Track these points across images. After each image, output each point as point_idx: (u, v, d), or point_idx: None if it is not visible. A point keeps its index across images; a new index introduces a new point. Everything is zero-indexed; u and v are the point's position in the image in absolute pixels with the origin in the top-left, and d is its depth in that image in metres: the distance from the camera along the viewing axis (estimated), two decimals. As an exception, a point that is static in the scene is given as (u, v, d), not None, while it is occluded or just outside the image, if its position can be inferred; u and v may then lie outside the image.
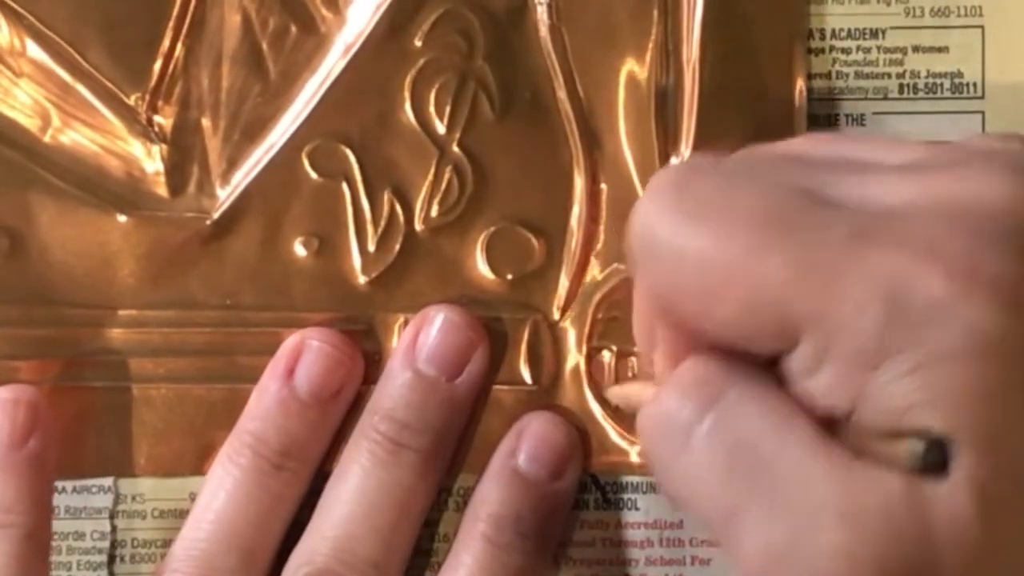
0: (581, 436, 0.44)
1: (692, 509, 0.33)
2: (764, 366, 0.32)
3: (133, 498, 0.44)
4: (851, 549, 0.29)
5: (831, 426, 0.30)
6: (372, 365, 0.43)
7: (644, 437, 0.34)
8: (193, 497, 0.43)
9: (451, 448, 0.43)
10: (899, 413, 0.29)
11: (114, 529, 0.44)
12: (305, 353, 0.43)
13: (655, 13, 0.43)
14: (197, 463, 0.43)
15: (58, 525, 0.44)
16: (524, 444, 0.43)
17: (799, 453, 0.30)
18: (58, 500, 0.44)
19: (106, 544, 0.44)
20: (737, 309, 0.31)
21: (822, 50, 0.44)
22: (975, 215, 0.30)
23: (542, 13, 0.44)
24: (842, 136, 0.38)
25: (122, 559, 0.44)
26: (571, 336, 0.44)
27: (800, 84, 0.43)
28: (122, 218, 0.44)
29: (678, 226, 0.31)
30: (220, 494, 0.42)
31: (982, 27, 0.44)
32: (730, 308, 0.31)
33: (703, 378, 0.32)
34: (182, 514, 0.43)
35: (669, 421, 0.32)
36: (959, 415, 0.29)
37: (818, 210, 0.31)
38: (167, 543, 0.43)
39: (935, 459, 0.29)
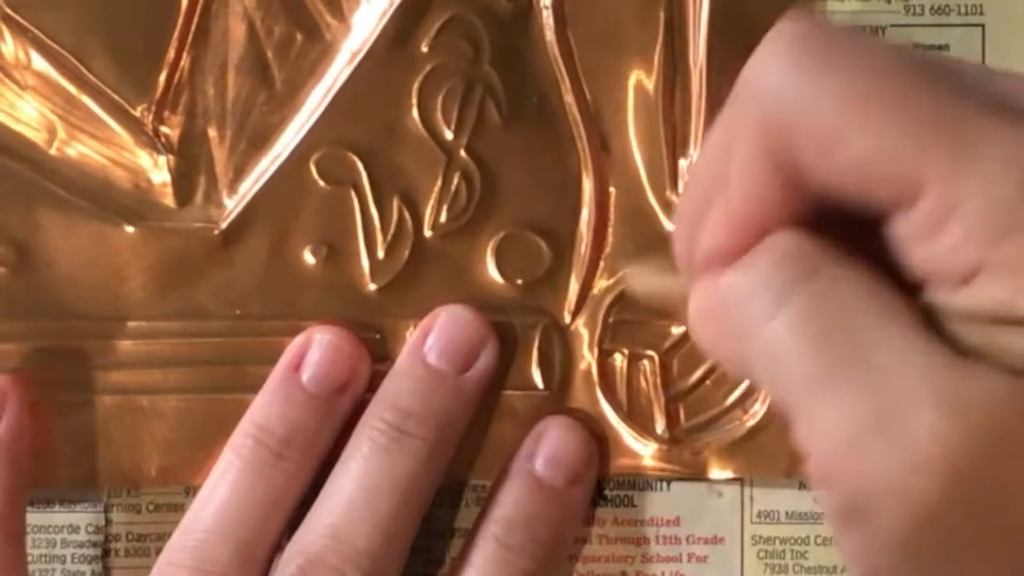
0: (596, 441, 0.44)
1: (767, 383, 0.31)
2: (856, 250, 0.31)
3: (128, 492, 0.44)
4: (948, 436, 0.28)
5: (934, 320, 0.30)
6: (381, 374, 0.43)
7: (722, 308, 0.32)
8: (187, 491, 0.44)
9: (456, 441, 0.43)
10: (1018, 292, 0.28)
11: (109, 522, 0.44)
12: (312, 346, 0.43)
13: (661, 16, 0.43)
14: (208, 473, 0.43)
15: (53, 518, 0.44)
16: (542, 449, 0.43)
17: (899, 337, 0.29)
18: (53, 493, 0.44)
19: (101, 537, 0.44)
20: (864, 156, 0.29)
21: (822, 51, 0.44)
22: None
23: (548, 17, 0.44)
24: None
25: (117, 552, 0.44)
26: (582, 340, 0.44)
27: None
28: (130, 229, 0.44)
29: (811, 66, 0.30)
30: (221, 484, 0.42)
31: (982, 26, 0.44)
32: (857, 154, 0.29)
33: (799, 250, 0.31)
34: (177, 508, 0.44)
35: (759, 288, 0.31)
36: None
37: (963, 80, 0.30)
38: (162, 536, 0.43)
39: None
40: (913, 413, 0.29)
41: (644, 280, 0.38)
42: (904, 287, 0.30)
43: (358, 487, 0.41)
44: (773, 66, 0.30)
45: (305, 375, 0.43)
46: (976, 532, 0.29)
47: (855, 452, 0.29)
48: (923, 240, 0.29)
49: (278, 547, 0.42)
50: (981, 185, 0.28)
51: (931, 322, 0.30)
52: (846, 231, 0.31)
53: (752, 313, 0.31)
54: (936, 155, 0.29)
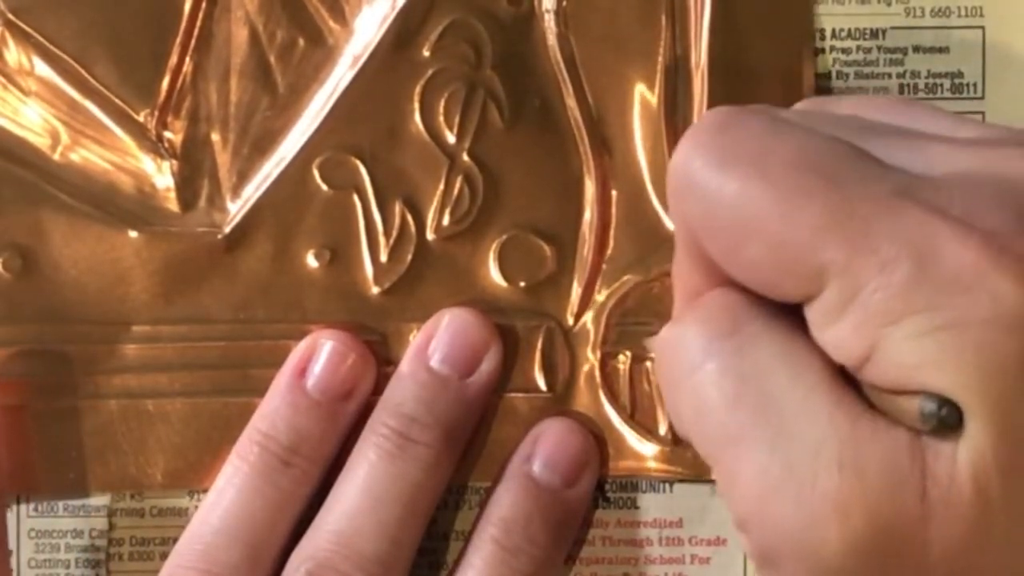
0: (597, 442, 0.44)
1: (694, 434, 0.33)
2: (785, 310, 0.32)
3: (132, 496, 0.44)
4: (846, 494, 0.30)
5: (845, 378, 0.31)
6: (385, 377, 0.43)
7: (659, 357, 0.34)
8: (191, 496, 0.44)
9: (461, 446, 0.43)
10: (912, 370, 0.29)
11: (112, 527, 0.44)
12: (317, 352, 0.43)
13: (663, 19, 0.44)
14: (214, 477, 0.43)
15: (57, 523, 0.44)
16: (539, 450, 0.43)
17: (809, 394, 0.31)
18: (57, 498, 0.44)
19: (104, 542, 0.44)
20: (766, 252, 0.31)
21: (822, 50, 0.44)
22: (1020, 194, 0.30)
23: (550, 21, 0.44)
24: (900, 101, 0.38)
25: (120, 557, 0.44)
26: (585, 342, 0.44)
27: (808, 88, 0.43)
28: (134, 234, 0.44)
29: (716, 166, 0.32)
30: (228, 490, 0.42)
31: (982, 27, 0.44)
32: (759, 251, 0.31)
33: (726, 307, 0.33)
34: (181, 512, 0.44)
35: (686, 342, 0.33)
36: (972, 381, 0.29)
37: (862, 165, 0.31)
38: (165, 541, 0.44)
39: (949, 420, 0.29)
40: (816, 470, 0.30)
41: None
42: None
43: (364, 494, 0.42)
44: (686, 161, 0.32)
45: (310, 382, 0.43)
46: None
47: (765, 504, 0.31)
48: (827, 326, 0.31)
49: (285, 551, 0.42)
50: (875, 273, 0.30)
51: (846, 380, 0.31)
52: None
53: (682, 364, 0.33)
54: (833, 249, 0.30)
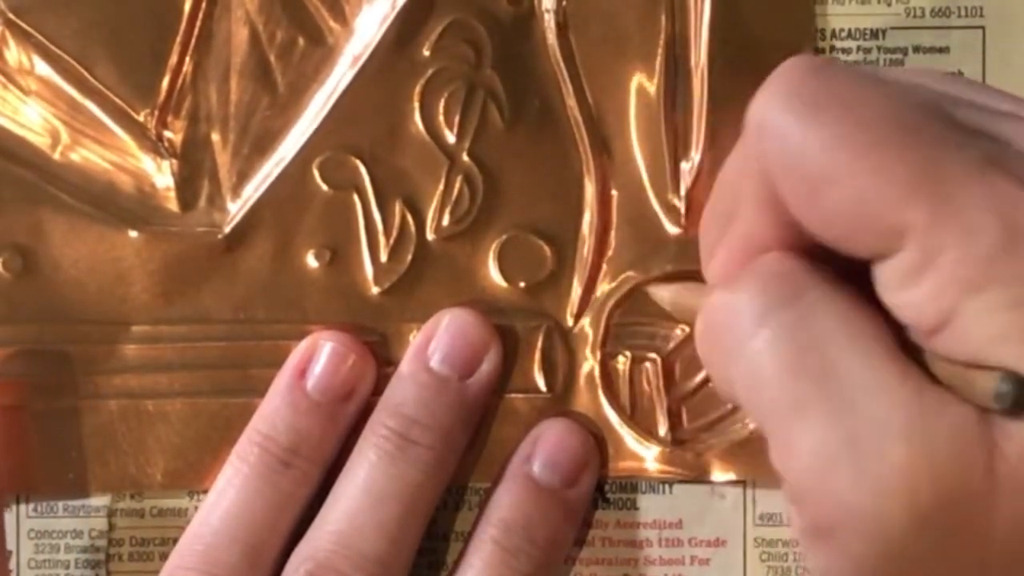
0: (597, 443, 0.44)
1: (746, 402, 0.32)
2: (847, 275, 0.31)
3: (132, 496, 0.44)
4: (912, 465, 0.29)
5: (909, 349, 0.30)
6: (385, 378, 0.43)
7: (710, 325, 0.33)
8: (191, 496, 0.44)
9: (461, 448, 0.43)
10: (988, 344, 0.29)
11: (112, 527, 0.44)
12: (317, 353, 0.43)
13: (663, 19, 0.44)
14: (214, 477, 0.43)
15: (56, 523, 0.44)
16: (539, 451, 0.43)
17: (875, 366, 0.30)
18: (56, 498, 0.44)
19: (104, 542, 0.44)
20: (847, 203, 0.30)
21: (822, 50, 0.44)
22: None
23: (549, 21, 0.44)
24: (963, 78, 0.37)
25: (120, 557, 0.44)
26: (585, 342, 0.44)
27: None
28: (134, 234, 0.44)
29: (805, 111, 0.31)
30: (228, 491, 0.42)
31: (982, 27, 0.44)
32: (840, 201, 0.30)
33: (785, 273, 0.32)
34: (180, 512, 0.44)
35: (742, 309, 0.32)
36: None
37: (953, 128, 0.30)
38: (165, 541, 0.44)
39: (1020, 398, 0.29)
40: (881, 442, 0.29)
41: (669, 293, 0.39)
42: (890, 317, 0.31)
43: (364, 494, 0.42)
44: (769, 110, 0.31)
45: (310, 383, 0.43)
46: (936, 561, 0.30)
47: (824, 476, 0.30)
48: (901, 288, 0.30)
49: (285, 552, 0.42)
50: (958, 239, 0.29)
51: (908, 351, 0.30)
52: (848, 259, 0.32)
53: (736, 332, 0.32)
54: (917, 208, 0.29)
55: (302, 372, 0.43)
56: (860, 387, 0.30)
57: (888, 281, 0.30)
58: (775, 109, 0.31)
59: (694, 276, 0.39)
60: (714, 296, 0.33)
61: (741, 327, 0.32)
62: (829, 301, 0.31)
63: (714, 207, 0.35)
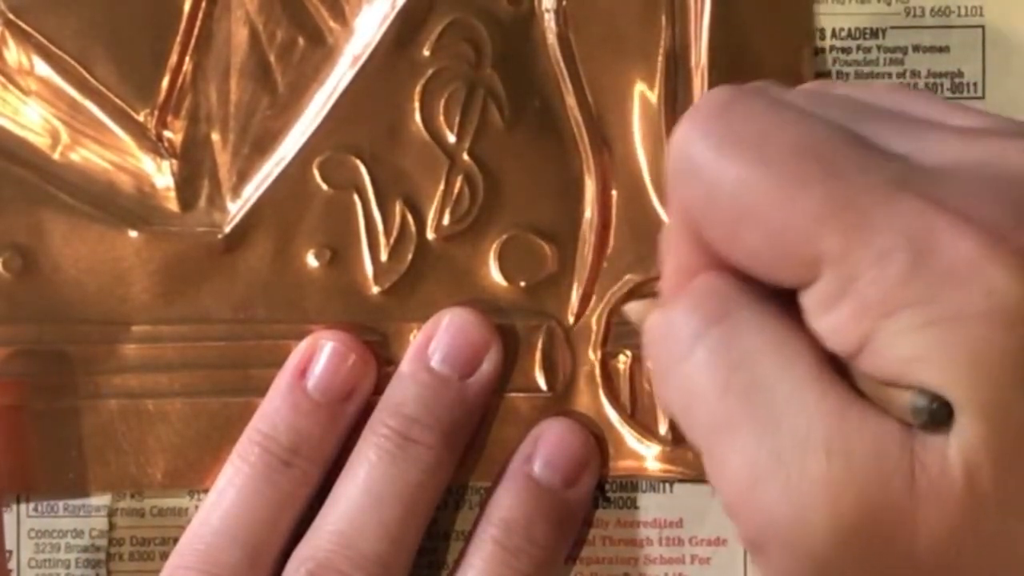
0: (597, 442, 0.44)
1: (682, 420, 0.33)
2: (778, 295, 0.32)
3: (132, 496, 0.44)
4: (835, 481, 0.29)
5: (835, 367, 0.31)
6: (386, 377, 0.43)
7: (648, 342, 0.34)
8: (192, 495, 0.44)
9: (461, 447, 0.43)
10: (904, 364, 0.29)
11: (113, 527, 0.44)
12: (318, 353, 0.43)
13: (663, 19, 0.44)
14: (214, 477, 0.43)
15: (57, 523, 0.44)
16: (540, 450, 0.43)
17: (798, 382, 0.30)
18: (57, 498, 0.44)
19: (105, 542, 0.44)
20: (763, 238, 0.31)
21: (822, 50, 0.44)
22: (1018, 186, 0.30)
23: (550, 21, 0.44)
24: (896, 87, 0.38)
25: (120, 557, 0.44)
26: (585, 342, 0.44)
27: (809, 87, 0.43)
28: (134, 234, 0.44)
29: (716, 150, 0.31)
30: (229, 490, 0.42)
31: (982, 27, 0.44)
32: (756, 237, 0.31)
33: (716, 292, 0.32)
34: (181, 512, 0.44)
35: (676, 328, 0.32)
36: (964, 377, 0.29)
37: (862, 153, 0.31)
38: (166, 541, 0.44)
39: (939, 416, 0.29)
40: (804, 457, 0.30)
41: (637, 310, 0.39)
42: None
43: (365, 494, 0.42)
44: (685, 142, 0.32)
45: (311, 383, 0.43)
46: (861, 574, 0.30)
47: (753, 492, 0.31)
48: (822, 314, 0.31)
49: (286, 552, 0.42)
50: (871, 264, 0.29)
51: (838, 369, 0.31)
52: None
53: (671, 350, 0.33)
54: (830, 238, 0.30)
55: (303, 372, 0.43)
56: (785, 402, 0.30)
57: (810, 307, 0.31)
58: (690, 146, 0.32)
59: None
60: (653, 315, 0.34)
61: (676, 346, 0.32)
62: (759, 318, 0.32)
63: (665, 226, 0.35)
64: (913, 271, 0.29)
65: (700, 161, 0.31)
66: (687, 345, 0.32)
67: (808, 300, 0.31)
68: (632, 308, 0.41)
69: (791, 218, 0.30)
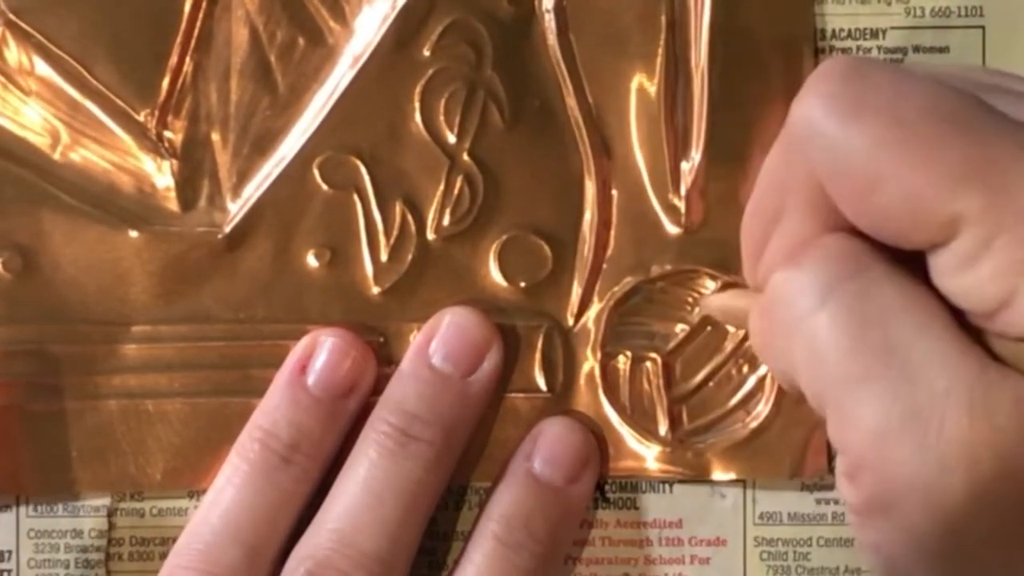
0: (597, 442, 0.44)
1: (807, 379, 0.33)
2: (903, 258, 0.32)
3: (132, 496, 0.44)
4: (974, 437, 0.29)
5: (967, 328, 0.31)
6: (386, 378, 0.43)
7: (771, 302, 0.34)
8: (191, 495, 0.44)
9: (462, 445, 0.43)
10: None
11: (112, 527, 0.44)
12: (318, 349, 0.43)
13: (663, 19, 0.44)
14: (214, 477, 0.43)
15: (56, 523, 0.44)
16: (540, 448, 0.43)
17: (936, 341, 0.30)
18: (56, 498, 0.44)
19: (104, 542, 0.44)
20: (898, 200, 0.31)
21: (822, 50, 0.44)
22: None
23: (550, 21, 0.44)
24: (998, 71, 0.38)
25: (120, 557, 0.44)
26: (585, 342, 0.44)
27: (809, 87, 0.43)
28: (134, 234, 0.44)
29: (847, 114, 0.31)
30: (228, 488, 0.42)
31: (982, 27, 0.44)
32: (891, 199, 0.31)
33: (848, 250, 0.32)
34: (180, 512, 0.44)
35: (806, 284, 0.32)
36: None
37: (994, 116, 0.31)
38: (165, 541, 0.44)
39: None
40: (943, 414, 0.30)
41: (718, 301, 0.41)
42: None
43: (365, 492, 0.42)
44: (812, 111, 0.32)
45: (311, 379, 0.43)
46: (997, 535, 0.30)
47: (884, 447, 0.30)
48: (958, 274, 0.30)
49: (285, 550, 0.42)
50: (1013, 223, 0.29)
51: (967, 328, 0.30)
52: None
53: (798, 306, 0.32)
54: (969, 197, 0.30)
55: (303, 368, 0.43)
56: (922, 360, 0.30)
57: (943, 268, 0.31)
58: (818, 113, 0.32)
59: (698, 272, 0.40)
60: (777, 274, 0.34)
61: (805, 301, 0.32)
62: (891, 277, 0.32)
63: (757, 209, 0.36)
64: None
65: (831, 128, 0.31)
66: (816, 300, 0.32)
67: (941, 260, 0.31)
68: (714, 300, 0.41)
69: (929, 178, 0.30)
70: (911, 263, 0.32)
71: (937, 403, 0.30)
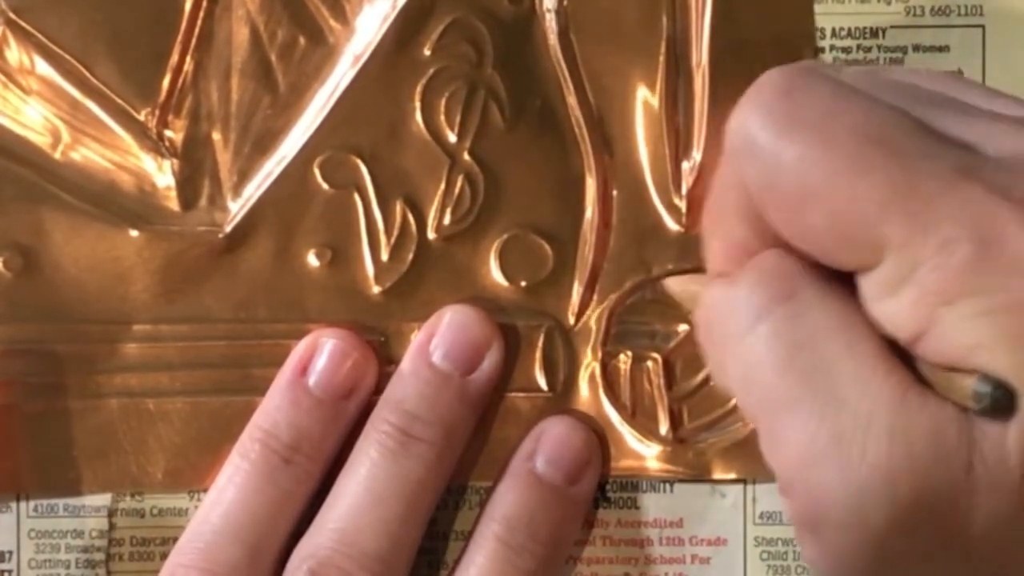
0: (599, 441, 0.44)
1: (740, 395, 0.33)
2: (839, 277, 0.32)
3: (132, 496, 0.44)
4: (892, 462, 0.30)
5: (897, 350, 0.31)
6: (387, 377, 0.43)
7: (709, 317, 0.34)
8: (192, 495, 0.44)
9: (462, 444, 0.43)
10: (967, 350, 0.29)
11: (113, 527, 0.44)
12: (319, 350, 0.43)
13: (664, 18, 0.44)
14: (215, 477, 0.43)
15: (57, 523, 0.44)
16: (542, 447, 0.43)
17: (861, 364, 0.31)
18: (57, 498, 0.44)
19: (104, 542, 0.44)
20: (826, 221, 0.31)
21: (822, 49, 0.44)
22: None
23: (551, 20, 0.44)
24: (952, 76, 0.38)
25: (120, 557, 0.44)
26: (586, 342, 0.44)
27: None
28: (135, 233, 0.44)
29: (779, 131, 0.31)
30: (229, 488, 0.42)
31: (982, 26, 0.44)
32: (819, 219, 0.31)
33: (782, 271, 0.32)
34: (181, 512, 0.44)
35: (740, 303, 0.33)
36: None
37: (925, 139, 0.31)
38: (166, 541, 0.44)
39: (1001, 402, 0.29)
40: (865, 439, 0.30)
41: (678, 285, 0.41)
42: None
43: (365, 491, 0.42)
44: (747, 122, 0.32)
45: (312, 380, 0.43)
46: (917, 558, 0.30)
47: (811, 470, 0.31)
48: (882, 299, 0.31)
49: (286, 550, 0.42)
50: (933, 253, 0.30)
51: (896, 352, 0.31)
52: None
53: (733, 325, 0.33)
54: (892, 224, 0.30)
55: (304, 369, 0.43)
56: (849, 384, 0.31)
57: (870, 292, 0.31)
58: (753, 125, 0.32)
59: (699, 271, 0.40)
60: (713, 289, 0.34)
61: (739, 321, 0.33)
62: (823, 299, 0.32)
63: (714, 201, 0.36)
64: (977, 260, 0.29)
65: (763, 141, 0.32)
66: (750, 321, 0.32)
67: (868, 284, 0.31)
68: (673, 282, 0.41)
69: (854, 202, 0.30)
70: (845, 280, 0.32)
71: (860, 427, 0.30)
